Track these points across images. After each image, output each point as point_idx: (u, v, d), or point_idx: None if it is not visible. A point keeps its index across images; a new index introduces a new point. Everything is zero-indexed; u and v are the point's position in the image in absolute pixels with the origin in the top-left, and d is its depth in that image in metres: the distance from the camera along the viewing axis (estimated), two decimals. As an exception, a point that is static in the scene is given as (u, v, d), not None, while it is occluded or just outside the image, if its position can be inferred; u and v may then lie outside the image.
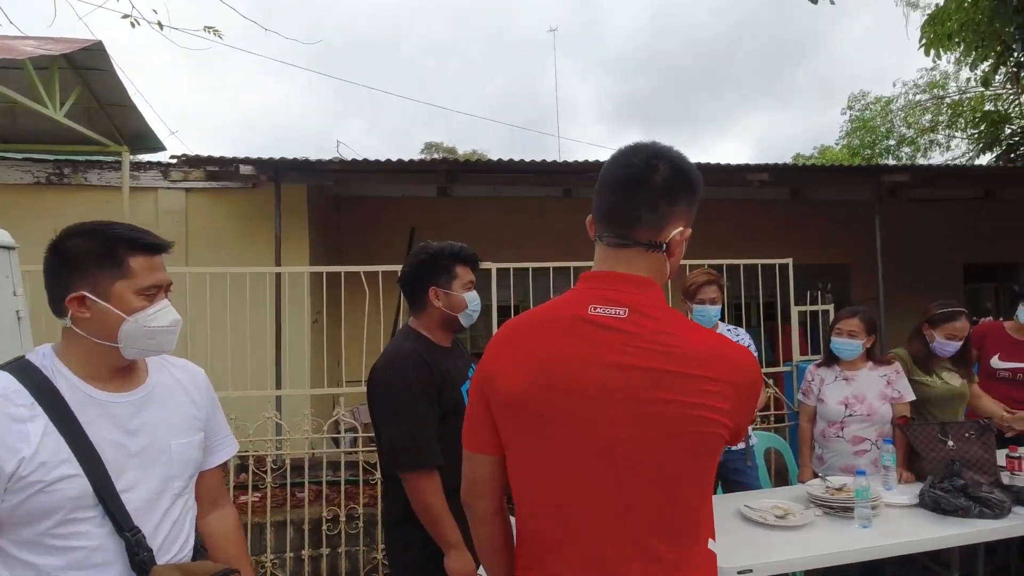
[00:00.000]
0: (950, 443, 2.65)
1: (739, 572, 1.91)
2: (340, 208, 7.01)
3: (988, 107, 9.01)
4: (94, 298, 1.16)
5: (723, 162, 5.75)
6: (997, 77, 7.90)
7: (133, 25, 4.46)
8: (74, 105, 4.38)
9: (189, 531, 1.31)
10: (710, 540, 1.08)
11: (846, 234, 7.96)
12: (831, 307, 4.41)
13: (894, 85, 14.65)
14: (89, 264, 1.17)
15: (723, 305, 3.23)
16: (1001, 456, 2.88)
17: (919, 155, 14.52)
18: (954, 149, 14.00)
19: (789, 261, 4.35)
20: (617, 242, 1.07)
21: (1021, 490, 2.44)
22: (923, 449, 2.70)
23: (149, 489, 1.20)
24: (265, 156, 4.71)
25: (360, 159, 5.19)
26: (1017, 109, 8.01)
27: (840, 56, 43.34)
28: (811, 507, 2.41)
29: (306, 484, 3.54)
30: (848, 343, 2.98)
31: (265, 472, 3.51)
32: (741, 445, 2.88)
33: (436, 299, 1.92)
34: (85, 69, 4.41)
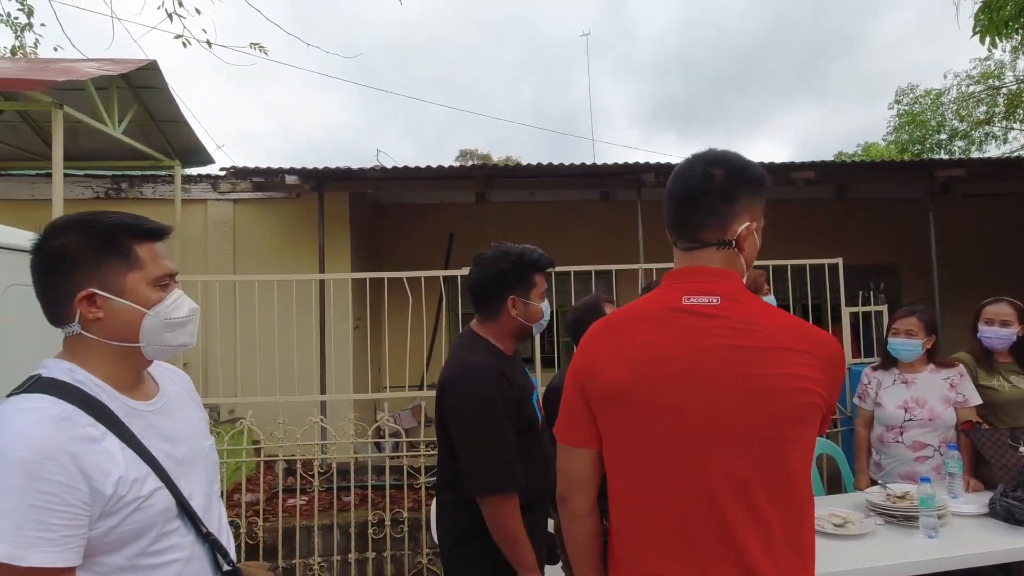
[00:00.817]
0: (1022, 449, 2.51)
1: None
2: (380, 216, 7.13)
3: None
4: (106, 295, 1.05)
5: (765, 161, 5.62)
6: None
7: (185, 45, 4.63)
8: (131, 122, 4.58)
9: (229, 531, 1.30)
10: None
11: (896, 233, 7.68)
12: (884, 308, 4.23)
13: (945, 77, 14.02)
14: (90, 259, 1.05)
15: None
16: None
17: (974, 149, 13.89)
18: (1012, 142, 13.36)
19: (839, 261, 4.22)
20: (689, 246, 1.16)
21: (1101, 500, 2.30)
22: (992, 455, 2.57)
23: (203, 494, 1.18)
24: (309, 167, 4.83)
25: (400, 167, 5.26)
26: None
27: (879, 51, 41.97)
28: (871, 516, 2.31)
29: (352, 488, 3.59)
30: (907, 343, 2.86)
31: (312, 476, 3.57)
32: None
33: (514, 308, 1.82)
34: (141, 88, 4.61)
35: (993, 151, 14.08)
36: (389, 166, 6.07)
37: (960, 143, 14.39)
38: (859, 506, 2.41)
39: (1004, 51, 8.68)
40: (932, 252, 6.01)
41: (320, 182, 4.97)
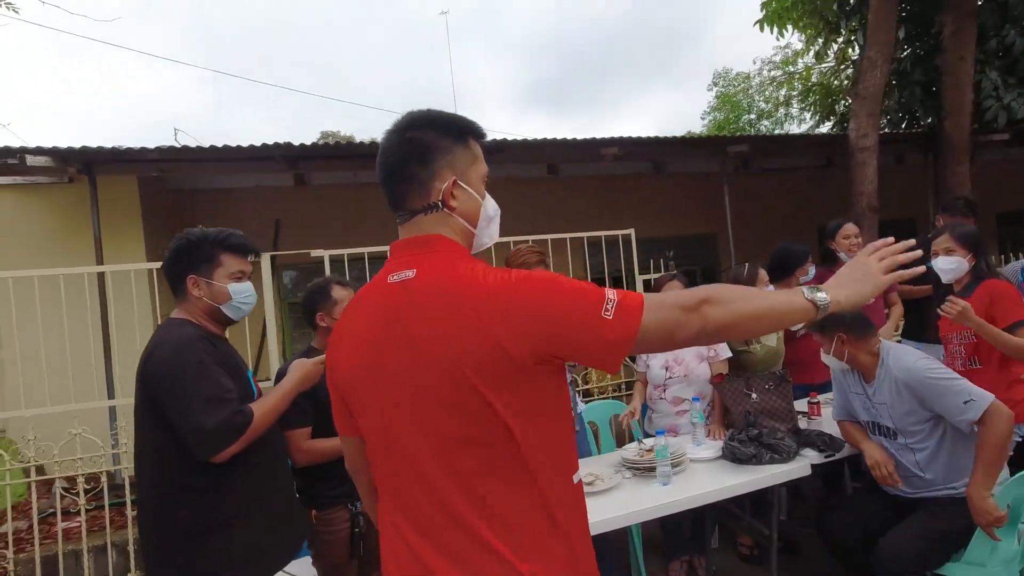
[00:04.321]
0: (754, 396, 2.83)
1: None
2: (190, 202, 6.50)
3: (817, 81, 9.82)
4: None
5: (578, 138, 5.85)
6: (830, 53, 8.58)
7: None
8: None
9: None
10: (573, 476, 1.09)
11: (712, 205, 8.43)
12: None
13: (754, 63, 15.57)
14: None
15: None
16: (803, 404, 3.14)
17: (777, 128, 15.63)
18: (808, 121, 15.11)
19: (631, 232, 4.50)
20: (401, 218, 1.12)
21: (810, 434, 2.66)
22: (731, 404, 2.87)
23: None
24: (64, 145, 4.20)
25: (193, 147, 4.78)
26: (846, 83, 8.77)
27: (723, 40, 45.77)
28: (621, 471, 2.50)
29: (128, 502, 3.26)
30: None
31: (95, 491, 3.20)
32: (570, 414, 2.93)
33: (196, 288, 1.81)
34: None
35: (794, 130, 15.90)
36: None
37: (766, 122, 16.17)
38: (617, 463, 2.60)
39: (800, 40, 9.66)
40: (728, 222, 6.63)
41: (89, 165, 4.38)
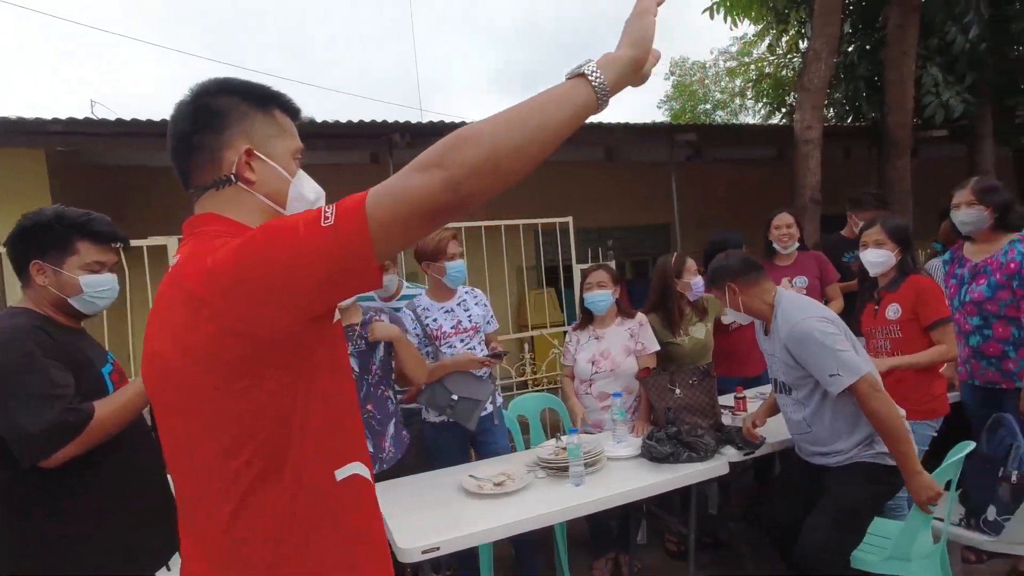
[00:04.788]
0: (677, 391, 2.76)
1: (423, 551, 1.81)
2: (124, 180, 6.06)
3: (769, 72, 9.84)
4: None
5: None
6: (781, 43, 8.60)
7: None
8: None
9: None
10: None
11: (665, 195, 8.38)
12: (611, 264, 4.51)
13: (711, 52, 15.45)
14: None
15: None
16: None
17: (732, 118, 15.73)
18: (761, 112, 15.17)
19: (569, 220, 4.38)
20: (193, 194, 0.98)
21: (731, 431, 2.60)
22: (656, 399, 2.79)
23: None
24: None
25: (110, 120, 4.44)
26: (793, 74, 8.81)
27: (689, 26, 45.88)
28: (535, 470, 2.39)
29: None
30: (597, 295, 3.00)
31: None
32: (489, 407, 2.81)
33: (41, 275, 1.60)
34: None
35: (749, 120, 16.02)
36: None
37: (721, 113, 16.28)
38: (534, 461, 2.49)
39: (751, 33, 9.65)
40: (675, 210, 6.60)
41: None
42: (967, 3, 6.91)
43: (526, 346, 6.30)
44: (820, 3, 6.09)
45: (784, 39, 8.51)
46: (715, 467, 2.39)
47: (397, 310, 2.81)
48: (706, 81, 16.28)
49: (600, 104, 0.80)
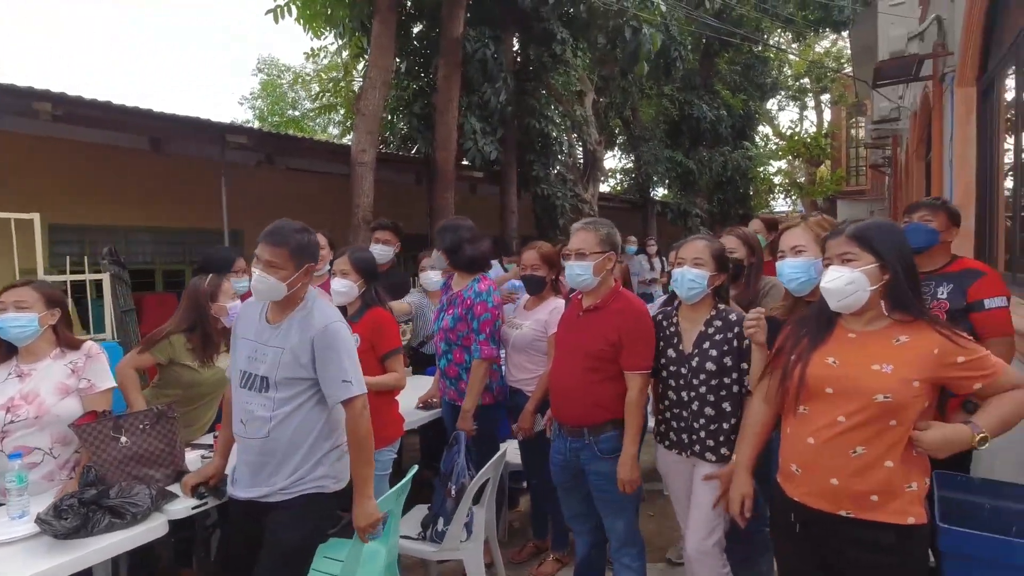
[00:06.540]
0: (123, 439, 2.25)
1: None
2: None
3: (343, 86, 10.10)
4: None
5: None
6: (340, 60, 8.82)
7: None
8: None
9: None
10: None
11: (230, 198, 7.55)
12: (105, 276, 3.67)
13: (307, 58, 14.39)
14: None
15: None
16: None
17: (320, 132, 15.66)
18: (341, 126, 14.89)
19: (35, 216, 3.37)
20: None
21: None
22: (95, 451, 2.22)
23: None
24: None
25: None
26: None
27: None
28: None
29: None
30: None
31: None
32: None
33: None
34: None
35: (335, 132, 16.11)
36: None
37: (313, 123, 15.97)
38: None
39: (333, 44, 9.53)
40: (224, 214, 6.01)
41: None
42: (498, 72, 8.34)
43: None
44: (376, 36, 6.41)
45: (348, 57, 8.73)
46: (149, 530, 1.99)
47: None
48: (296, 87, 15.82)
49: None
